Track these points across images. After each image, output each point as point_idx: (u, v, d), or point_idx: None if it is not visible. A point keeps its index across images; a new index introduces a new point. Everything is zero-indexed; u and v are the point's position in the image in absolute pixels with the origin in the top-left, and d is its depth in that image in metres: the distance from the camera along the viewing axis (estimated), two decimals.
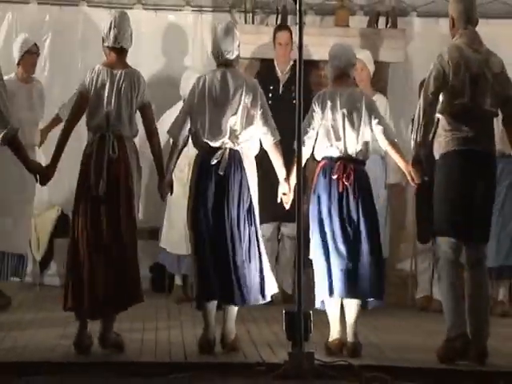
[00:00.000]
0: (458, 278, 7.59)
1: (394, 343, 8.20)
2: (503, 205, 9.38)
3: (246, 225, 7.84)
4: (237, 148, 7.81)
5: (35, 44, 9.39)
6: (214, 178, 7.76)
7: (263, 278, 7.90)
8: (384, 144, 7.98)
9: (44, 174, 7.71)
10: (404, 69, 10.38)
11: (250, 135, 7.86)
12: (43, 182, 7.79)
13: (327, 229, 7.85)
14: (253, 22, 10.76)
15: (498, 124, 8.18)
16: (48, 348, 7.74)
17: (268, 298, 7.95)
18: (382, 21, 10.76)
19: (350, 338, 7.86)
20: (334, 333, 7.89)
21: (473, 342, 7.45)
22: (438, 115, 7.58)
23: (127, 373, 7.15)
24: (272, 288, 7.94)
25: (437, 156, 7.67)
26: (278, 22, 10.53)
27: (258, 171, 8.00)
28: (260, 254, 7.91)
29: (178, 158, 7.99)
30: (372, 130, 7.92)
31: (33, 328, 8.53)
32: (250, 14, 10.80)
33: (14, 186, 9.09)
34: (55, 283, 10.43)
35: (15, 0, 10.64)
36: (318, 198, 7.89)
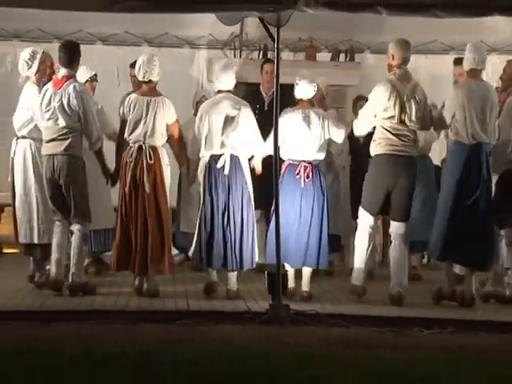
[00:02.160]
0: (369, 244, 8.24)
1: (352, 297, 8.42)
2: (421, 193, 9.40)
3: (245, 211, 8.26)
4: (236, 154, 8.26)
5: (95, 74, 9.52)
6: (221, 177, 8.21)
7: (254, 251, 8.32)
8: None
9: (113, 178, 8.48)
10: (358, 90, 10.56)
11: (244, 144, 8.30)
12: (113, 184, 8.58)
13: (287, 214, 8.18)
14: (240, 57, 10.97)
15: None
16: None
17: (254, 265, 8.38)
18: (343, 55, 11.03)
19: (304, 288, 8.33)
20: (291, 284, 8.30)
21: (392, 288, 8.11)
22: (375, 125, 8.25)
23: (141, 319, 7.42)
24: (256, 257, 8.37)
25: (372, 154, 8.28)
26: (261, 57, 10.78)
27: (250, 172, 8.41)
28: (253, 233, 8.33)
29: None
30: (330, 135, 8.40)
31: None
32: (238, 51, 11.04)
33: (98, 179, 9.12)
34: None
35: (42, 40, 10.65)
36: (284, 189, 8.19)
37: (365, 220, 8.31)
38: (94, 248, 9.53)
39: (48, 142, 8.27)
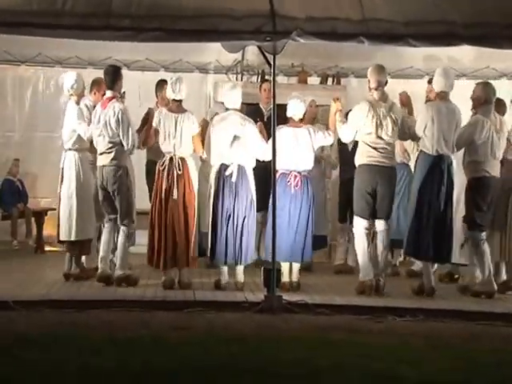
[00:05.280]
0: (368, 243, 8.13)
1: (336, 289, 8.40)
2: (401, 198, 9.35)
3: (247, 213, 8.20)
4: (242, 163, 8.21)
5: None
6: (228, 184, 8.16)
7: (252, 247, 8.29)
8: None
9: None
10: (344, 110, 10.54)
11: (249, 154, 8.25)
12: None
13: (279, 215, 8.08)
14: (241, 80, 10.86)
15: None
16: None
17: (250, 260, 8.32)
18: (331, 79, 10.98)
19: (294, 279, 8.27)
20: (285, 277, 8.24)
21: (376, 279, 8.01)
22: (357, 139, 8.22)
23: (152, 307, 7.38)
24: (252, 254, 8.33)
25: (356, 165, 8.24)
26: (259, 81, 10.59)
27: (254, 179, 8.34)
28: (252, 233, 8.28)
29: None
30: (320, 143, 8.42)
31: None
32: (240, 75, 10.96)
33: None
34: None
35: (79, 66, 10.60)
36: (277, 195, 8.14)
37: (359, 224, 8.19)
38: None
39: (100, 154, 8.33)
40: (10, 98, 11.21)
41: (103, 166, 8.28)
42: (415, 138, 8.41)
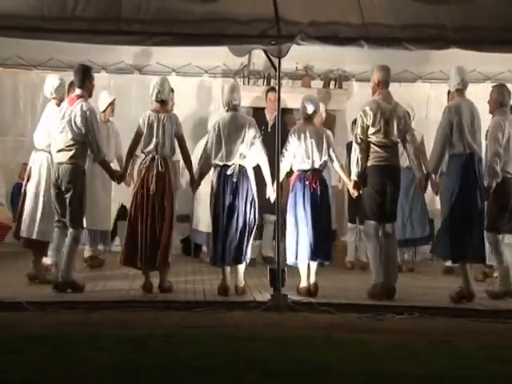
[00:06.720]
0: (379, 245, 8.08)
1: (340, 289, 8.53)
2: (412, 199, 9.70)
3: (248, 213, 8.17)
4: (243, 164, 8.22)
5: (114, 98, 9.58)
6: (229, 184, 8.15)
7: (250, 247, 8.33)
8: (336, 166, 8.47)
9: (120, 178, 8.43)
10: (346, 114, 10.70)
11: (250, 155, 8.24)
12: (119, 183, 8.52)
13: (300, 215, 8.21)
14: (248, 84, 10.95)
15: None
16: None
17: (248, 260, 8.31)
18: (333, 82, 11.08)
19: (312, 281, 8.22)
20: (303, 282, 8.27)
21: (386, 283, 7.97)
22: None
23: (163, 307, 7.50)
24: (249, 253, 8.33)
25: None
26: (265, 84, 10.84)
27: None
28: (256, 232, 8.34)
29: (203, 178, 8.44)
30: (329, 154, 8.36)
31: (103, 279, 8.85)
32: (247, 79, 11.03)
33: (100, 187, 9.34)
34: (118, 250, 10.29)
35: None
36: (295, 195, 8.26)
37: (370, 227, 8.14)
38: (90, 245, 9.67)
39: (58, 151, 8.10)
40: (22, 103, 11.16)
41: (60, 163, 8.04)
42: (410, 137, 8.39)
